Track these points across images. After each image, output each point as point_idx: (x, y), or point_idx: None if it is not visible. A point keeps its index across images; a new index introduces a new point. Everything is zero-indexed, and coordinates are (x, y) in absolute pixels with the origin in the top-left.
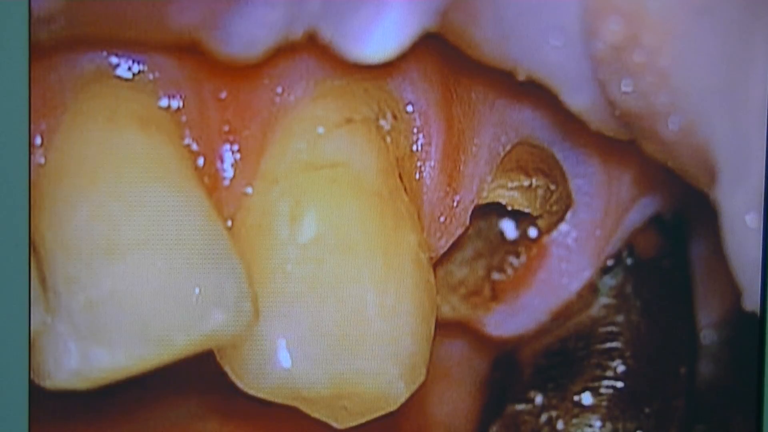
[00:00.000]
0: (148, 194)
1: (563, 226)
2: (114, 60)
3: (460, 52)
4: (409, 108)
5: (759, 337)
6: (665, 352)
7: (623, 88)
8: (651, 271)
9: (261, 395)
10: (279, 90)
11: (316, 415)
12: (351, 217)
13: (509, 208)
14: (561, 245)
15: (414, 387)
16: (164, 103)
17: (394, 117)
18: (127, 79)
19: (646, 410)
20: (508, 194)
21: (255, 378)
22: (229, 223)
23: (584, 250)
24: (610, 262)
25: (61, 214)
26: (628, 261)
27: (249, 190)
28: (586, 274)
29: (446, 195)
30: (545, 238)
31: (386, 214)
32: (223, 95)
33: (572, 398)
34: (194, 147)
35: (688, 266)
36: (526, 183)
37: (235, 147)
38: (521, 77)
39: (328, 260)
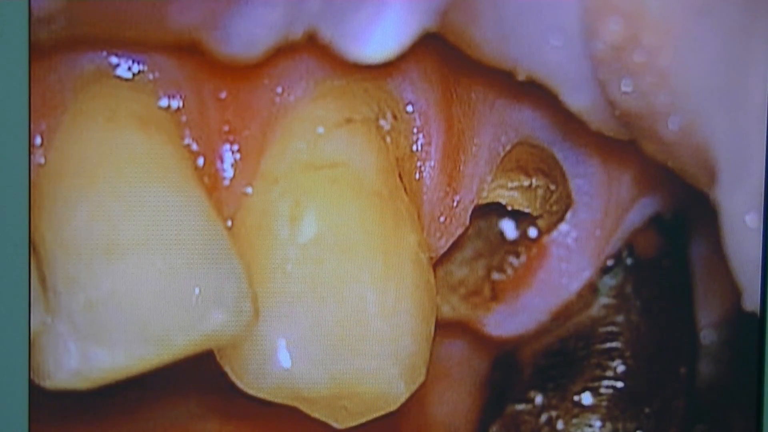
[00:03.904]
0: (148, 194)
1: (563, 226)
2: (114, 60)
3: (460, 52)
4: (409, 108)
5: (759, 337)
6: (665, 352)
7: (623, 88)
8: (651, 271)
9: (261, 395)
10: (279, 90)
11: (316, 415)
12: (351, 217)
13: (509, 208)
14: (561, 245)
15: (414, 387)
16: (164, 103)
17: (394, 117)
18: (127, 79)
19: (646, 410)
20: (508, 194)
21: (255, 378)
22: (229, 223)
23: (584, 250)
24: (610, 262)
25: (61, 214)
26: (628, 261)
27: (249, 190)
28: (586, 274)
29: (446, 195)
30: (545, 238)
31: (386, 214)
32: (223, 95)
33: (572, 398)
34: (194, 147)
35: (688, 266)
36: (526, 183)
37: (235, 147)
38: (521, 77)
39: (328, 260)
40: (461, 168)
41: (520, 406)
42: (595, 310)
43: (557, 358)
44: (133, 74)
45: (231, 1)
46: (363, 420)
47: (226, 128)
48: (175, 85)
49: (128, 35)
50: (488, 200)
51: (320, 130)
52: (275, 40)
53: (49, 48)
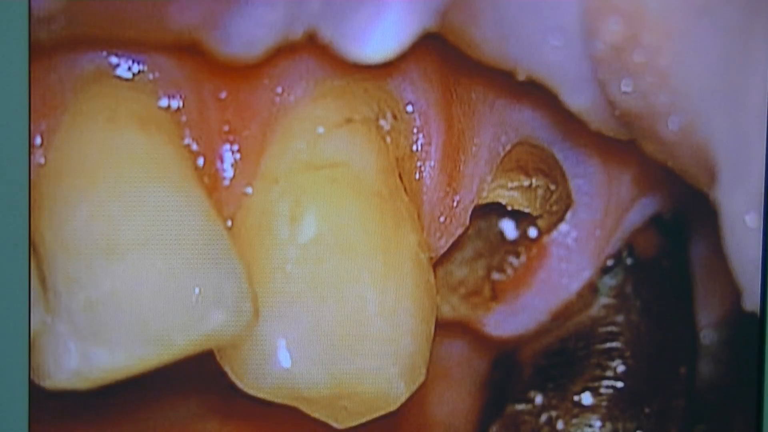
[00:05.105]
0: (148, 194)
1: (563, 226)
2: (114, 60)
3: (460, 52)
4: (409, 108)
5: (759, 337)
6: (665, 352)
7: (623, 88)
8: (651, 271)
9: (261, 395)
10: (279, 90)
11: (316, 415)
12: (351, 217)
13: (509, 208)
14: (561, 245)
15: (414, 387)
16: (164, 103)
17: (394, 117)
18: (127, 79)
19: (646, 410)
20: (508, 194)
21: (255, 378)
22: (229, 223)
23: (584, 250)
24: (610, 262)
25: (61, 214)
26: (628, 261)
27: (249, 190)
28: (586, 274)
29: (446, 195)
30: (545, 238)
31: (386, 214)
32: (223, 95)
33: (572, 398)
34: (194, 147)
35: (688, 266)
36: (526, 183)
37: (235, 147)
38: (521, 77)
39: (328, 260)
40: (461, 168)
41: (520, 406)
42: (595, 310)
43: (557, 358)
44: (133, 74)
45: (231, 1)
46: (363, 420)
47: (226, 128)
48: (175, 85)
49: (128, 35)
50: (488, 200)
51: (320, 130)
52: (275, 40)
53: (49, 48)
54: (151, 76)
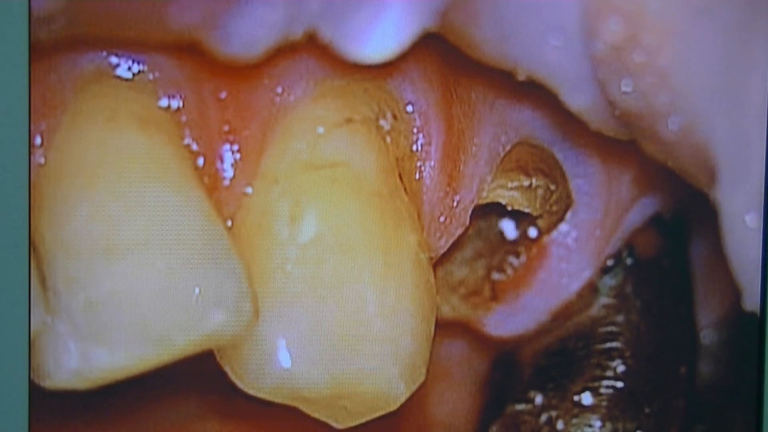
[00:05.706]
0: (148, 194)
1: (563, 226)
2: (114, 60)
3: (460, 52)
4: (409, 108)
5: (759, 337)
6: (665, 352)
7: (623, 88)
8: (651, 271)
9: (261, 395)
10: (279, 90)
11: (316, 415)
12: (351, 217)
13: (509, 208)
14: (561, 245)
15: (414, 387)
16: (164, 103)
17: (394, 117)
18: (127, 79)
19: (646, 410)
20: (508, 194)
21: (255, 378)
22: (229, 223)
23: (584, 250)
24: (610, 262)
25: (61, 214)
26: (628, 261)
27: (249, 190)
28: (586, 274)
29: (446, 195)
30: (545, 238)
31: (386, 214)
32: (223, 95)
33: (572, 398)
34: (194, 147)
35: (688, 266)
36: (526, 183)
37: (235, 147)
38: (521, 77)
39: (328, 260)
40: (461, 168)
41: (520, 406)
42: (595, 310)
43: (557, 358)
44: (133, 74)
45: (231, 1)
46: (363, 420)
47: (226, 128)
48: (175, 85)
49: (128, 35)
50: (488, 200)
51: (320, 130)
52: (275, 40)
53: (49, 48)
54: (151, 76)
